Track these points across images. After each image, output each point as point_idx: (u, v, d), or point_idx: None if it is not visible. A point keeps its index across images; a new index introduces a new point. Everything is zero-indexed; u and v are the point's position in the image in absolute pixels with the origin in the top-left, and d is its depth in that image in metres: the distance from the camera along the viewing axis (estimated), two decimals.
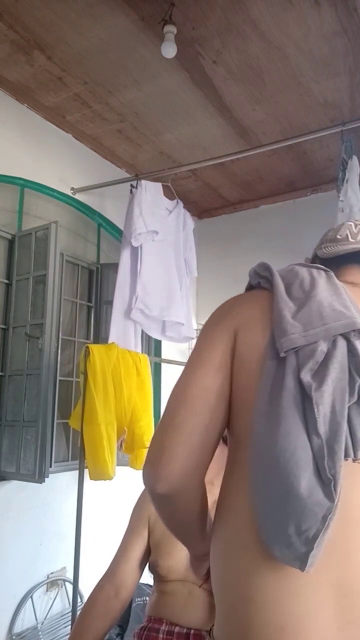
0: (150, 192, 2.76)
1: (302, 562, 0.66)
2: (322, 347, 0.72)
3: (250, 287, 0.93)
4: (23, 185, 2.64)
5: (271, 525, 0.68)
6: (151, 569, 1.39)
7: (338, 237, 0.97)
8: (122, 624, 1.98)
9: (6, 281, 2.51)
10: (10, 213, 2.58)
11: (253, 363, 0.78)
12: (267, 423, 0.70)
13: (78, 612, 1.82)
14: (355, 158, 2.36)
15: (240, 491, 0.76)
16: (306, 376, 0.70)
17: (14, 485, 2.39)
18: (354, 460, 0.69)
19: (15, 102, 2.60)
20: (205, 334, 0.86)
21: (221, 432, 0.81)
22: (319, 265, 0.89)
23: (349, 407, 0.69)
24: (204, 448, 0.77)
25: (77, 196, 2.96)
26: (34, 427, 2.25)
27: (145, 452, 0.92)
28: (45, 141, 2.78)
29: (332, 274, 0.86)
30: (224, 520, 0.79)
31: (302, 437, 0.67)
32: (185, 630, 1.26)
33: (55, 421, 2.57)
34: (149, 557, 1.37)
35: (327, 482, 0.65)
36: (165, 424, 0.78)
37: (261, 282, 0.88)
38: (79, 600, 2.30)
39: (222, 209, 3.96)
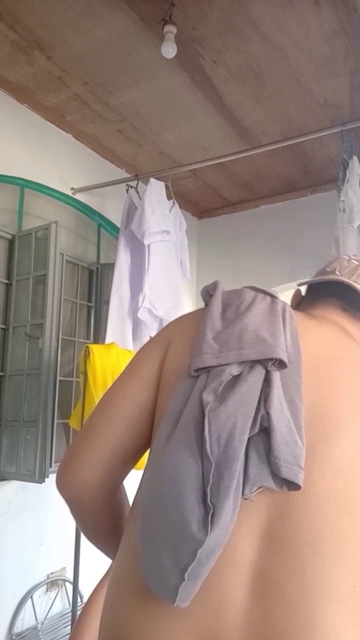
0: (157, 191, 2.76)
1: (172, 594, 0.60)
2: (233, 369, 0.68)
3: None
4: (23, 185, 2.64)
5: (148, 554, 0.63)
6: None
7: (327, 269, 0.94)
8: None
9: (6, 281, 2.51)
10: (10, 213, 2.58)
11: (173, 379, 0.74)
12: (163, 445, 0.65)
13: (78, 612, 1.83)
14: (355, 158, 2.36)
15: (132, 519, 0.70)
16: (207, 396, 0.65)
17: (14, 485, 2.40)
18: (244, 498, 0.62)
19: (15, 102, 2.60)
20: (141, 348, 0.84)
21: (141, 446, 0.77)
22: (269, 291, 0.84)
23: (249, 438, 0.63)
24: (113, 459, 0.73)
25: (77, 196, 2.96)
26: (34, 427, 2.25)
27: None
28: (45, 141, 2.78)
29: (278, 300, 0.81)
30: (120, 545, 0.74)
31: (191, 460, 0.61)
32: None
33: (55, 421, 2.56)
34: None
35: (208, 511, 0.58)
36: (82, 429, 0.77)
37: (207, 300, 0.85)
38: (79, 600, 2.30)
39: (222, 209, 3.96)
